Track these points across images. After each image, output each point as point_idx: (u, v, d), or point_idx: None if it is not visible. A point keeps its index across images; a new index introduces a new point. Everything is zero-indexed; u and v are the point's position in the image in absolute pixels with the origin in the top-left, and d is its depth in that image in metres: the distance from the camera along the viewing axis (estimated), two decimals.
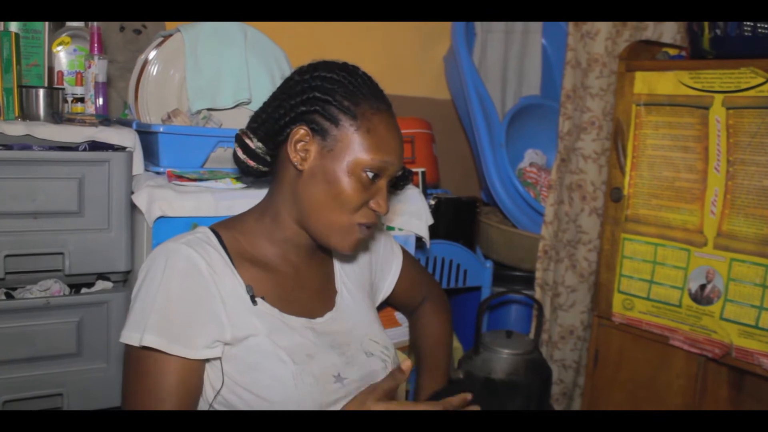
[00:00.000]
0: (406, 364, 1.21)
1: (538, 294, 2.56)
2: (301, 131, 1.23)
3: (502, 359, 2.07)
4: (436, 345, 1.68)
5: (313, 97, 1.23)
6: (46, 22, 1.84)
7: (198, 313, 1.17)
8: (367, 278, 1.49)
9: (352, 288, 1.42)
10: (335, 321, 1.33)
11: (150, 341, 1.12)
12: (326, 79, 1.24)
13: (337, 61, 1.29)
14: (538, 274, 2.56)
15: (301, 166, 1.24)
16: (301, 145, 1.24)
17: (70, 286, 1.73)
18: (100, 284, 1.75)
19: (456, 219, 2.58)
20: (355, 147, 1.20)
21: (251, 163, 1.35)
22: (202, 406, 1.21)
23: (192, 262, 1.18)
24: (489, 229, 2.77)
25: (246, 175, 1.40)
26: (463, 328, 2.52)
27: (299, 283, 1.33)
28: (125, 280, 1.77)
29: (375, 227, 1.28)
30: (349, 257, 1.46)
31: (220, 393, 1.18)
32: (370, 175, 1.21)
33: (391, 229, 1.93)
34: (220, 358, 1.18)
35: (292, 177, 1.26)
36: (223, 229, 1.29)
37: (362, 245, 1.49)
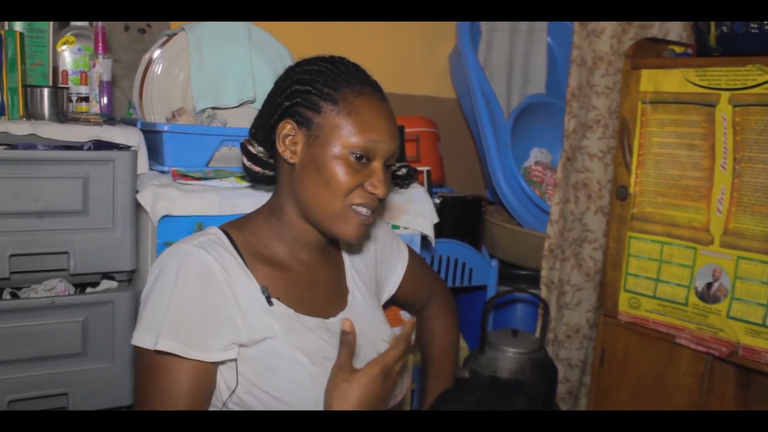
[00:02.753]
0: (347, 323, 1.16)
1: (543, 293, 2.55)
2: (287, 126, 1.24)
3: (507, 358, 2.06)
4: (443, 349, 1.68)
5: (295, 90, 1.24)
6: (51, 23, 1.84)
7: (213, 316, 1.16)
8: (373, 277, 1.49)
9: (362, 287, 1.42)
10: None
11: (166, 345, 1.11)
12: (307, 71, 1.25)
13: (323, 55, 1.29)
14: (543, 273, 2.56)
15: (292, 160, 1.24)
16: (289, 140, 1.24)
17: (75, 285, 1.73)
18: (105, 283, 1.74)
19: (461, 218, 2.57)
20: (338, 131, 1.20)
21: (257, 168, 1.36)
22: (215, 405, 1.20)
23: (205, 264, 1.17)
24: (494, 228, 2.77)
25: (256, 182, 1.42)
26: (468, 326, 2.52)
27: (312, 281, 1.32)
28: (130, 279, 1.77)
29: (376, 211, 1.27)
30: (357, 255, 1.46)
31: (235, 393, 1.18)
32: (358, 156, 1.20)
33: (396, 227, 1.92)
34: (235, 360, 1.18)
35: (288, 173, 1.27)
36: (233, 229, 1.28)
37: (367, 235, 1.49)
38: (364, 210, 1.23)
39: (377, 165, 1.23)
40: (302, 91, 1.23)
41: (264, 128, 1.30)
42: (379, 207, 1.29)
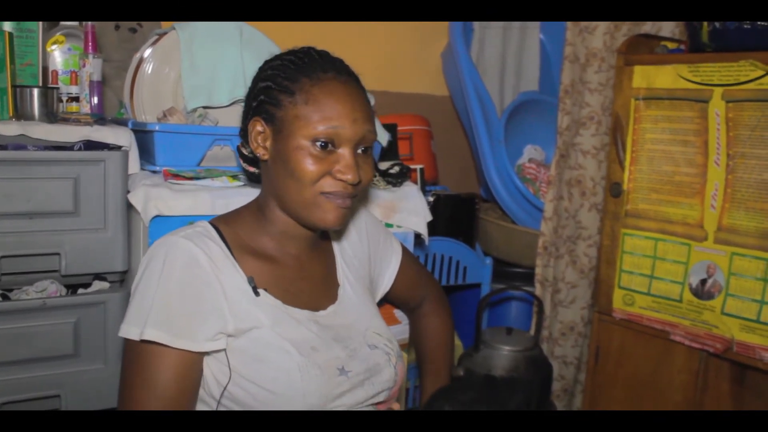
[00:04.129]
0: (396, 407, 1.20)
1: (538, 290, 2.55)
2: (257, 124, 1.26)
3: (502, 356, 2.06)
4: (437, 347, 1.69)
5: (259, 87, 1.26)
6: (40, 23, 1.83)
7: (199, 305, 1.17)
8: (366, 272, 1.50)
9: (354, 281, 1.43)
10: (338, 314, 1.34)
11: (151, 335, 1.12)
12: (270, 67, 1.26)
13: (291, 48, 1.30)
14: (537, 270, 2.56)
15: (265, 156, 1.26)
16: (261, 137, 1.26)
17: (67, 286, 1.73)
18: (97, 284, 1.74)
19: (455, 216, 2.58)
20: (298, 122, 1.20)
21: (252, 169, 1.39)
22: (210, 402, 1.21)
23: (192, 255, 1.18)
24: (488, 226, 2.77)
25: (253, 181, 1.44)
26: (463, 325, 2.52)
27: (302, 275, 1.33)
28: (122, 280, 1.77)
29: (353, 197, 1.26)
30: (349, 250, 1.47)
31: (227, 389, 1.18)
32: (322, 144, 1.20)
33: (389, 226, 1.92)
34: (225, 351, 1.18)
35: (265, 169, 1.29)
36: (222, 223, 1.30)
37: (360, 230, 1.50)
38: (337, 196, 1.23)
39: (344, 151, 1.22)
40: (264, 88, 1.25)
41: (244, 129, 1.32)
42: (360, 193, 1.29)
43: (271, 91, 1.23)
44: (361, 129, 1.22)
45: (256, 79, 1.29)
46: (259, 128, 1.26)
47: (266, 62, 1.30)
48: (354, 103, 1.23)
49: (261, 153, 1.26)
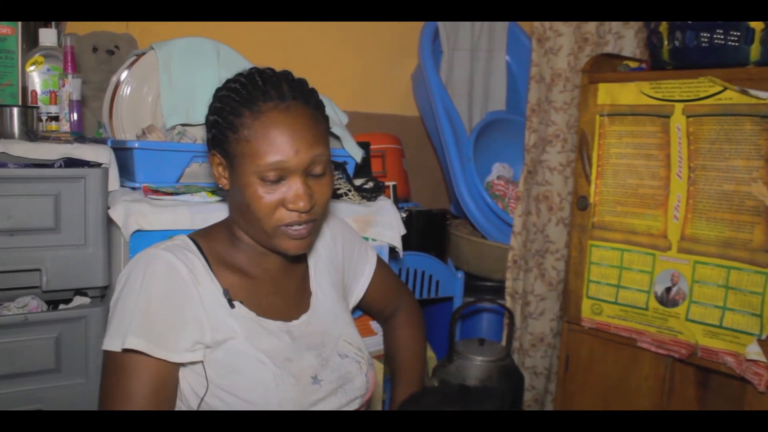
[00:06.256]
0: None
1: (508, 303, 2.60)
2: (215, 157, 1.28)
3: (475, 366, 2.11)
4: (410, 358, 1.71)
5: (210, 121, 1.27)
6: (19, 44, 1.85)
7: (179, 316, 1.19)
8: (340, 280, 1.52)
9: (327, 289, 1.45)
10: (310, 322, 1.36)
11: (132, 343, 1.14)
12: (218, 98, 1.26)
13: (243, 71, 1.28)
14: (508, 284, 2.60)
15: (226, 186, 1.28)
16: (221, 168, 1.28)
17: (48, 302, 1.73)
18: (78, 300, 1.75)
19: (427, 231, 2.61)
20: (245, 158, 1.20)
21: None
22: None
23: (172, 266, 1.21)
24: (459, 241, 2.82)
25: None
26: (436, 337, 2.55)
27: (275, 288, 1.36)
28: (103, 295, 1.78)
29: (312, 221, 1.26)
30: (324, 258, 1.49)
31: (203, 399, 1.20)
32: (269, 179, 1.20)
33: (365, 239, 1.96)
34: (202, 363, 1.21)
35: (228, 196, 1.32)
36: (200, 237, 1.33)
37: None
38: (293, 229, 1.24)
39: (292, 181, 1.21)
40: (214, 122, 1.25)
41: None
42: (323, 211, 1.29)
43: (220, 126, 1.23)
44: (305, 157, 1.21)
45: (210, 110, 1.28)
46: (217, 160, 1.27)
47: (217, 90, 1.29)
48: (295, 133, 1.20)
49: (223, 183, 1.28)
